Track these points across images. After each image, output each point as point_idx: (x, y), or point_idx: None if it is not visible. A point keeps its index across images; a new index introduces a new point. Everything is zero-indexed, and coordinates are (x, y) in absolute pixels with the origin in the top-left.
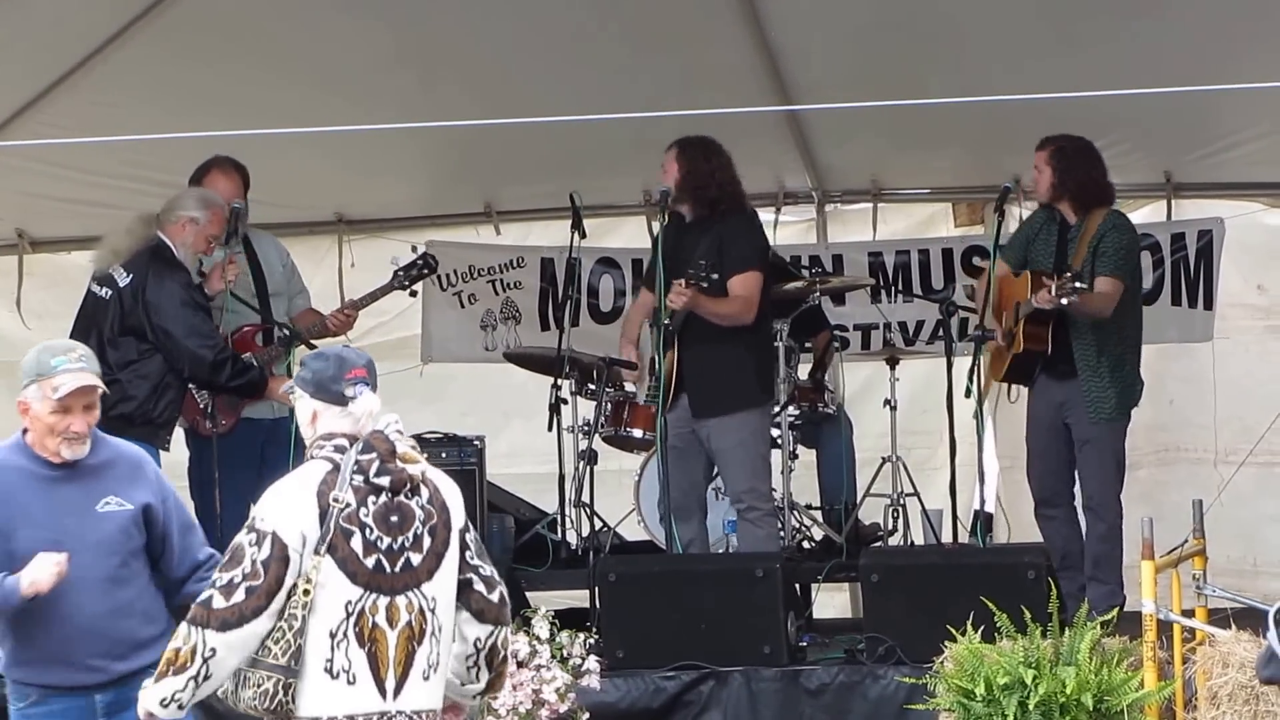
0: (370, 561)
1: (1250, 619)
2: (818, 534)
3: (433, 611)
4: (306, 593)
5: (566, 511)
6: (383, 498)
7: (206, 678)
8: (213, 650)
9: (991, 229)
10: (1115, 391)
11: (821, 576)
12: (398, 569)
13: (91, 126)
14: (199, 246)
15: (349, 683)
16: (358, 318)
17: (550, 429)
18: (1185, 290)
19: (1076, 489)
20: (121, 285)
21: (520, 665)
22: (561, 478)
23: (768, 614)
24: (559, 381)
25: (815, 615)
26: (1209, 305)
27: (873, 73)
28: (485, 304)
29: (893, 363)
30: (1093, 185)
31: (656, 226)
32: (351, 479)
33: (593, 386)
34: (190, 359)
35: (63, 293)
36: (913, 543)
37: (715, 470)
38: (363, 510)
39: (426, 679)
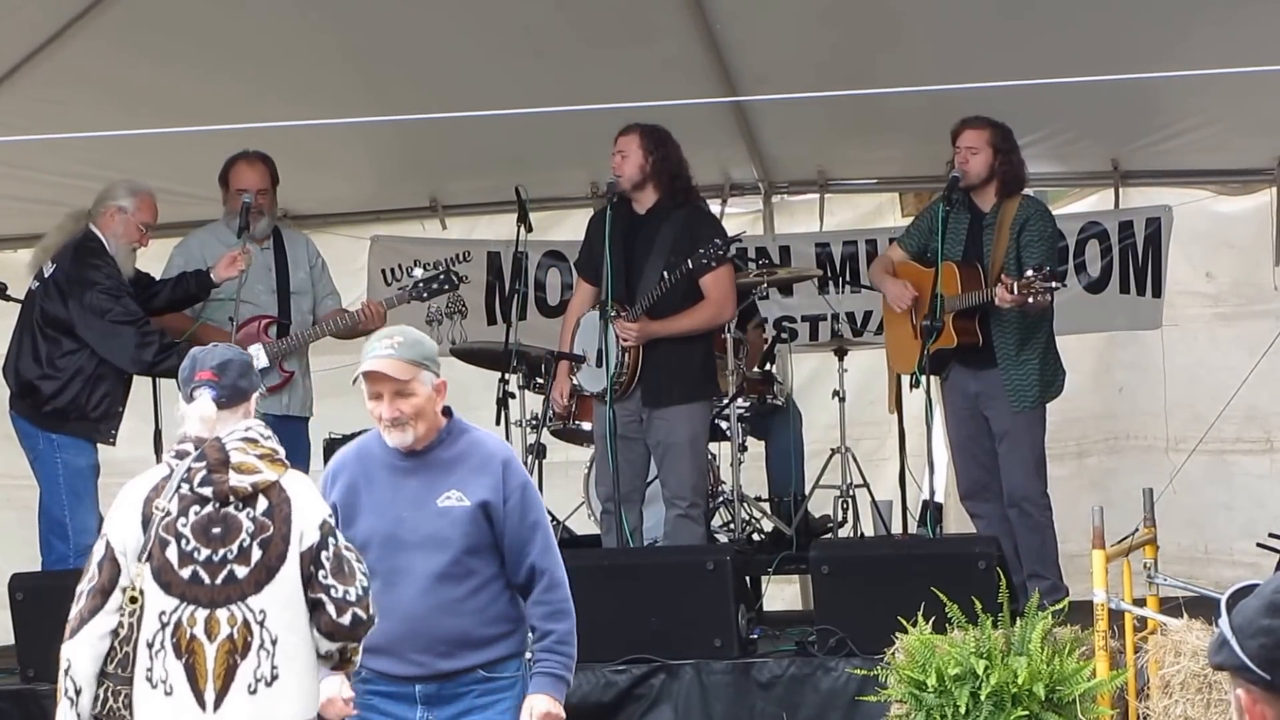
0: (186, 573)
1: (1202, 607)
2: (767, 526)
3: (261, 624)
4: (134, 599)
5: None
6: (207, 508)
7: (76, 692)
8: (68, 662)
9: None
10: (1039, 381)
11: (772, 569)
12: (219, 581)
13: (37, 124)
14: (131, 235)
15: (166, 694)
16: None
17: (498, 423)
18: (1134, 278)
19: None
20: (46, 276)
21: None
22: None
23: (718, 607)
24: (506, 376)
25: (766, 608)
26: (1157, 293)
27: (819, 64)
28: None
29: (841, 354)
30: (1021, 170)
31: (604, 219)
32: (179, 487)
33: (540, 380)
34: (112, 336)
35: (9, 291)
36: (862, 534)
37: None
38: (181, 520)
39: (253, 692)
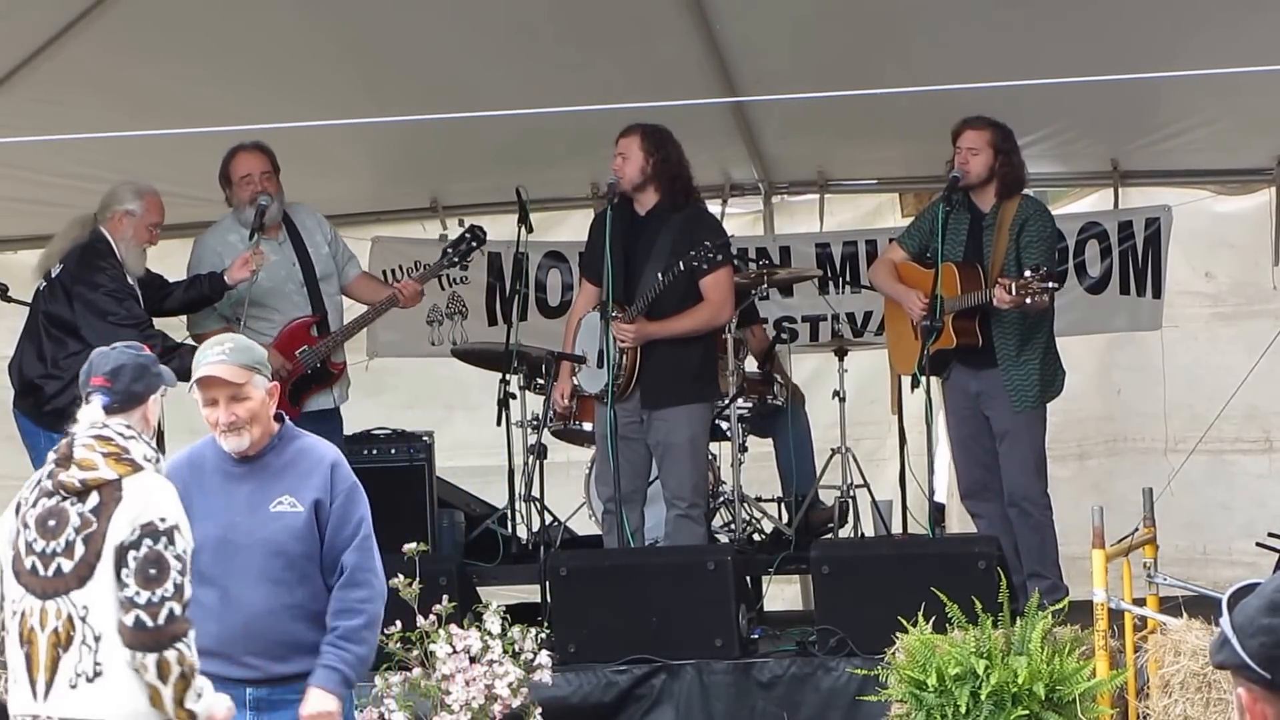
0: (28, 563)
1: (1201, 607)
2: (767, 526)
3: (84, 620)
4: None
5: (516, 506)
6: (50, 502)
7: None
8: None
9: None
10: (1039, 381)
11: (772, 569)
12: (49, 573)
13: (37, 125)
14: (141, 237)
15: (14, 681)
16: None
17: (499, 424)
18: (1133, 279)
19: None
20: (53, 276)
21: (472, 660)
22: (511, 472)
23: (719, 607)
24: (507, 376)
25: (766, 608)
26: (1157, 294)
27: (819, 64)
28: (431, 299)
29: (841, 354)
30: (1021, 171)
31: (605, 220)
32: (40, 480)
33: (541, 381)
34: (114, 339)
35: (10, 292)
36: (862, 534)
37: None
38: (31, 512)
39: (74, 687)
